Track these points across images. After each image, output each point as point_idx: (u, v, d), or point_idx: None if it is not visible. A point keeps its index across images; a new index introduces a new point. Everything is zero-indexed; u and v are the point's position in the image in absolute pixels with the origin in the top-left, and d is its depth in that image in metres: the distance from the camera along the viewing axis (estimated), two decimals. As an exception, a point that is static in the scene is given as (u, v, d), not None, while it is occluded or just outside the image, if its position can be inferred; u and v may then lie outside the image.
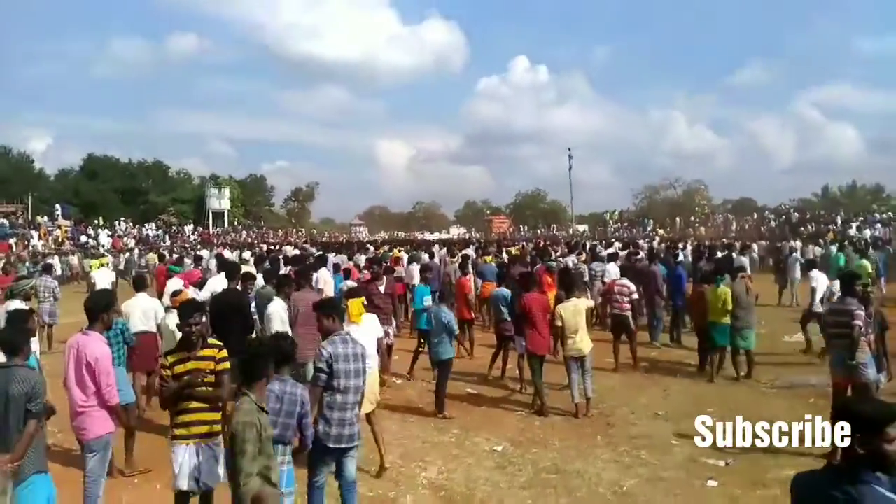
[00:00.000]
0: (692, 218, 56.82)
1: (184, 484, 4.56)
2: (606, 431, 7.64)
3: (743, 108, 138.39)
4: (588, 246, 22.37)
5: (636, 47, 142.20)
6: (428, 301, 10.54)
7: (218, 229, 55.72)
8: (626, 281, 10.96)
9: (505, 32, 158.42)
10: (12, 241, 33.14)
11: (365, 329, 6.21)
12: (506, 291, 9.77)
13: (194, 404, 4.64)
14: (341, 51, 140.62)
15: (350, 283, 11.55)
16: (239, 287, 8.45)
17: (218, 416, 4.76)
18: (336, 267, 13.70)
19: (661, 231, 50.12)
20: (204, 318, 5.43)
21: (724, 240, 30.14)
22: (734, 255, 15.89)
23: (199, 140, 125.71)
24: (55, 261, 25.21)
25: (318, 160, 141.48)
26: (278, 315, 7.19)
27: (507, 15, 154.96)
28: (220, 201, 59.50)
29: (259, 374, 3.85)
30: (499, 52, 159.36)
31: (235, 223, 60.11)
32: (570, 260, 14.95)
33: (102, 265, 18.30)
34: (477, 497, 5.88)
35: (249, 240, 48.94)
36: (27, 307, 7.37)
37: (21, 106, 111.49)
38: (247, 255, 22.27)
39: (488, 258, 17.34)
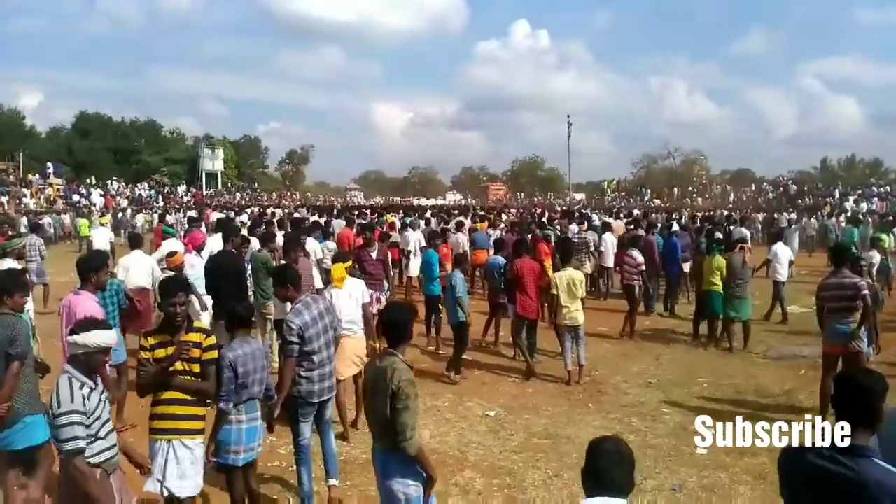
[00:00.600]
0: (690, 188, 56.82)
1: (149, 485, 4.02)
2: (598, 399, 7.71)
3: (743, 77, 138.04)
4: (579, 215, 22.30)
5: (637, 14, 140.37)
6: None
7: (211, 190, 55.41)
8: (634, 252, 10.96)
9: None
10: (4, 199, 32.95)
11: (347, 292, 6.35)
12: (500, 260, 9.75)
13: (176, 395, 4.08)
14: (338, 11, 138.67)
15: (331, 245, 11.52)
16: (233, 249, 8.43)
17: (203, 410, 4.21)
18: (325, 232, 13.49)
19: (657, 201, 50.15)
20: (189, 297, 4.88)
21: (725, 210, 30.10)
22: (732, 227, 15.87)
23: (192, 99, 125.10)
24: (46, 220, 25.06)
25: (314, 122, 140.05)
26: None
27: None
28: (213, 162, 59.00)
29: (406, 335, 3.72)
30: (499, 15, 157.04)
31: (229, 185, 59.77)
32: (572, 229, 14.89)
33: (102, 224, 18.17)
34: (469, 460, 5.95)
35: (243, 202, 48.67)
36: (20, 266, 7.36)
37: (11, 61, 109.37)
38: (244, 217, 22.17)
39: (480, 225, 17.32)
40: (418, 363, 8.98)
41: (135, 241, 8.82)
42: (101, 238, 15.61)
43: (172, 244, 9.86)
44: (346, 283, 6.44)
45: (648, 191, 56.65)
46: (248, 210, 30.77)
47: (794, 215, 24.98)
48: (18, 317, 4.46)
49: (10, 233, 13.98)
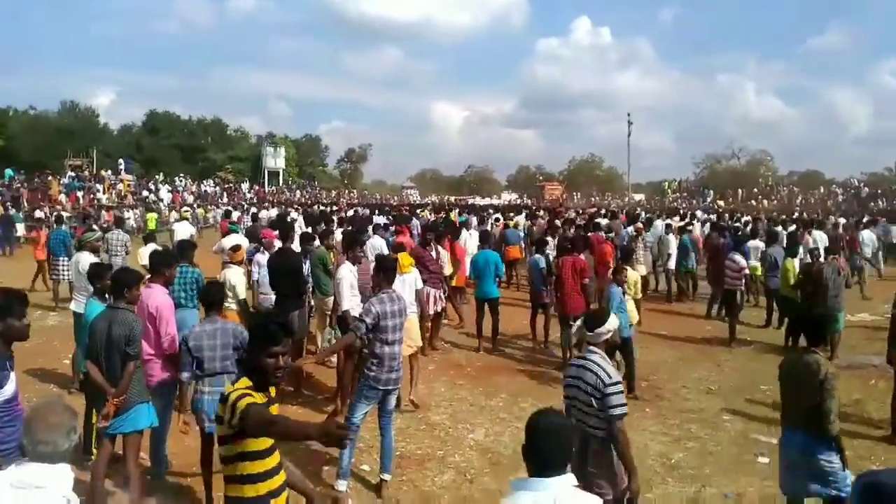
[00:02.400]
0: (755, 189, 54.92)
1: None
2: (656, 403, 7.58)
3: (815, 75, 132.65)
4: (644, 216, 21.88)
5: (704, 12, 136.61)
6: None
7: (273, 188, 56.79)
8: (736, 256, 10.52)
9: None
10: (80, 193, 34.56)
11: (409, 279, 7.38)
12: (541, 259, 9.76)
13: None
14: (400, 11, 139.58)
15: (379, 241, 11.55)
16: (294, 247, 8.67)
17: None
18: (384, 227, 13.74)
19: (721, 202, 48.69)
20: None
21: (794, 213, 28.95)
22: (804, 231, 15.20)
23: (257, 98, 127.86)
24: (128, 214, 26.09)
25: (372, 121, 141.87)
26: (347, 280, 7.29)
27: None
28: (275, 160, 60.45)
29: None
30: (560, 12, 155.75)
31: (290, 182, 61.12)
32: (628, 230, 14.67)
33: (184, 218, 19.04)
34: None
35: (303, 199, 49.70)
36: (97, 259, 7.72)
37: (87, 62, 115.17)
38: (294, 214, 22.72)
39: (511, 223, 17.92)
40: (469, 366, 9.04)
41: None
42: (184, 231, 16.29)
43: (236, 238, 10.15)
44: (410, 269, 7.38)
45: (711, 192, 55.05)
46: (297, 208, 31.39)
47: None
48: (135, 315, 4.75)
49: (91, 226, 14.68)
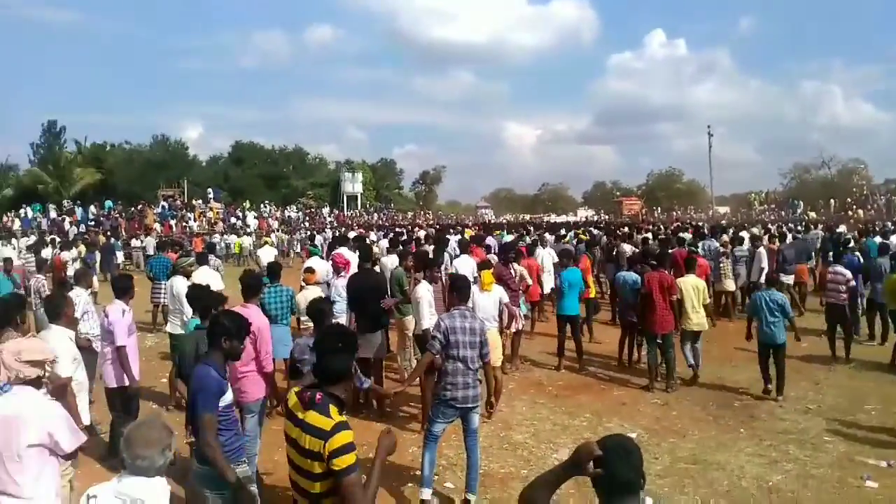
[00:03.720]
0: (848, 200, 51.88)
1: None
2: (750, 424, 7.24)
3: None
4: (732, 230, 21.06)
5: (784, 18, 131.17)
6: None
7: (351, 211, 58.15)
8: (840, 268, 10.09)
9: (639, 6, 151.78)
10: (172, 221, 36.51)
11: (492, 296, 7.62)
12: (633, 276, 9.49)
13: None
14: (469, 34, 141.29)
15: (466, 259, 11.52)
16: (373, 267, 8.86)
17: None
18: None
19: (812, 214, 46.30)
20: None
21: (890, 223, 27.17)
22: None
23: (334, 126, 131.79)
24: (217, 240, 27.37)
25: (445, 143, 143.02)
26: (426, 299, 7.41)
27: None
28: (353, 185, 61.91)
29: None
30: (632, 26, 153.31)
31: (367, 206, 62.43)
32: (708, 243, 14.14)
33: (268, 244, 19.86)
34: (610, 482, 5.78)
35: (380, 222, 50.64)
36: (189, 283, 8.11)
37: (177, 98, 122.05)
38: (373, 237, 23.18)
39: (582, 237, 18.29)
40: (550, 384, 8.92)
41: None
42: (268, 255, 17.08)
43: (314, 262, 10.47)
44: (493, 287, 7.67)
45: (801, 203, 52.40)
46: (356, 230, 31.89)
47: None
48: None
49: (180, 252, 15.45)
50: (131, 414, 5.91)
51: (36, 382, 3.36)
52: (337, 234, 23.18)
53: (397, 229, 27.20)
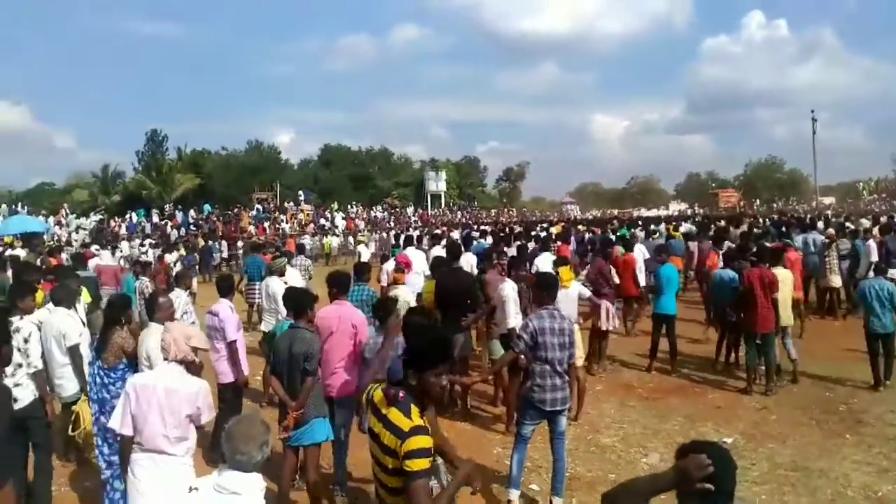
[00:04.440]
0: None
1: None
2: (857, 430, 6.79)
3: None
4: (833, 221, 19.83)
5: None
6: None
7: (435, 210, 58.73)
8: None
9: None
10: (266, 224, 38.09)
11: (570, 293, 7.46)
12: (730, 273, 9.03)
13: None
14: (554, 24, 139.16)
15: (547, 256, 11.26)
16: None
17: None
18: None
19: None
20: None
21: None
22: None
23: (419, 125, 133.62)
24: (307, 241, 28.37)
25: (530, 138, 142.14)
26: (511, 298, 7.42)
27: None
28: (436, 184, 62.50)
29: None
30: (729, 9, 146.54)
31: (451, 204, 62.88)
32: (812, 237, 13.34)
33: (361, 242, 20.57)
34: (704, 488, 5.56)
35: (463, 220, 50.88)
36: (284, 283, 8.44)
37: (269, 105, 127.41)
38: (455, 234, 23.37)
39: (677, 234, 17.61)
40: (640, 386, 8.67)
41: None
42: (366, 253, 17.74)
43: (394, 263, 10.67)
44: (571, 283, 7.52)
45: (915, 191, 48.68)
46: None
47: None
48: (314, 334, 5.18)
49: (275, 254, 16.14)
50: (237, 410, 6.21)
51: (192, 366, 4.02)
52: (419, 233, 23.58)
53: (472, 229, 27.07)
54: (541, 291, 5.46)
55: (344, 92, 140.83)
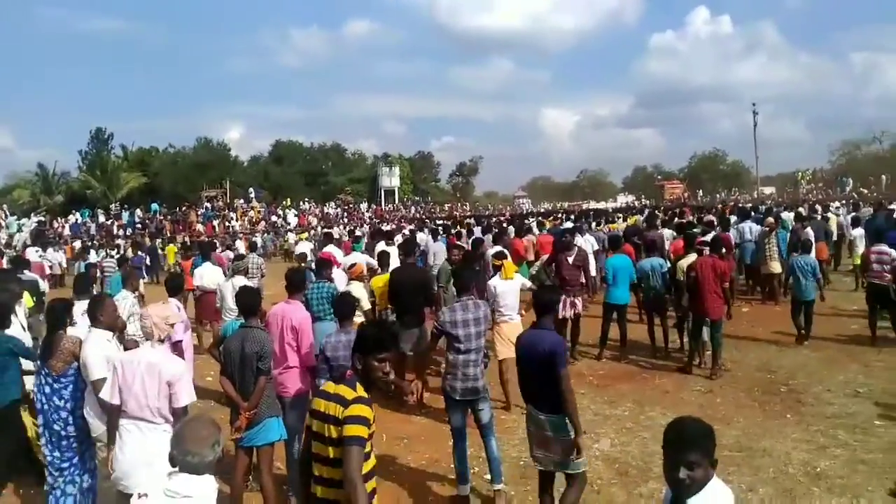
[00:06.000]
0: (901, 174, 49.98)
1: None
2: (797, 409, 7.08)
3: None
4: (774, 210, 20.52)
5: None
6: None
7: (389, 206, 58.51)
8: (884, 247, 9.67)
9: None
10: (215, 222, 37.31)
11: (510, 284, 7.53)
12: (658, 261, 9.52)
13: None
14: (507, 20, 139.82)
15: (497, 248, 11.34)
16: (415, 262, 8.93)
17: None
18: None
19: (863, 191, 44.74)
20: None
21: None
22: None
23: (372, 121, 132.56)
24: (259, 239, 27.93)
25: (483, 134, 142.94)
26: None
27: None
28: (390, 179, 62.27)
29: None
30: (675, 5, 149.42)
31: (405, 199, 62.72)
32: (748, 225, 13.81)
33: (302, 238, 20.34)
34: (654, 471, 5.70)
35: (418, 215, 50.83)
36: (251, 283, 8.38)
37: (220, 99, 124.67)
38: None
39: (613, 226, 18.85)
40: (590, 374, 8.85)
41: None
42: (304, 249, 17.55)
43: (355, 256, 10.61)
44: (514, 276, 7.61)
45: (850, 180, 50.67)
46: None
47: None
48: (266, 333, 5.12)
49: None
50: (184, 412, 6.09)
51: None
52: (374, 228, 23.45)
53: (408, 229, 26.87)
54: (456, 282, 5.81)
55: (296, 87, 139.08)
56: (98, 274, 13.23)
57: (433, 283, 8.42)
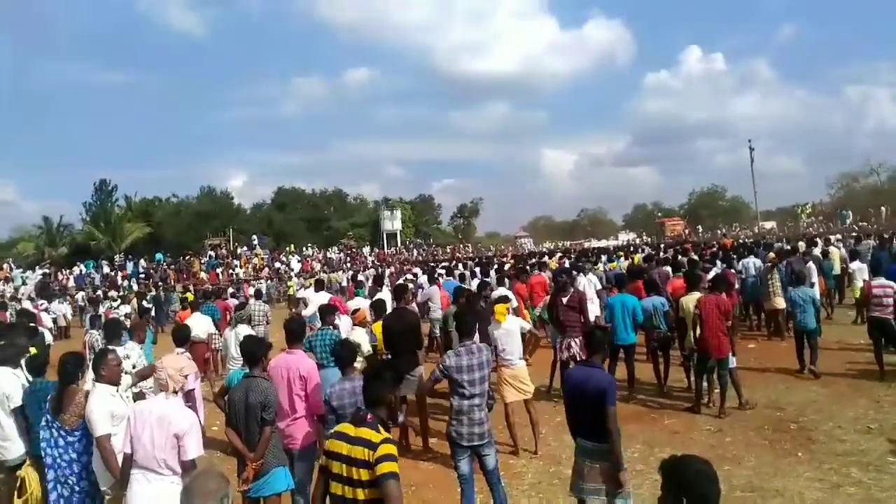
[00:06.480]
0: (901, 206, 50.11)
1: None
2: (808, 447, 7.00)
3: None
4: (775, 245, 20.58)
5: (825, 22, 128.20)
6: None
7: (391, 249, 58.71)
8: (884, 280, 9.65)
9: (674, 24, 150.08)
10: (219, 270, 37.45)
11: (506, 328, 7.31)
12: (660, 300, 9.53)
13: None
14: (503, 65, 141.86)
15: (503, 291, 11.37)
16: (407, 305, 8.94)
17: None
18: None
19: (863, 223, 44.84)
20: None
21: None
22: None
23: (374, 165, 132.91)
24: (263, 285, 27.95)
25: (483, 175, 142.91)
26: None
27: (676, 5, 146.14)
28: (392, 223, 62.55)
29: None
30: (667, 44, 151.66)
31: (407, 242, 62.96)
32: (751, 261, 13.84)
33: (306, 286, 20.43)
34: (665, 514, 5.64)
35: (420, 258, 50.96)
36: (254, 332, 8.41)
37: (222, 148, 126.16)
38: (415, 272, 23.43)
39: (613, 265, 18.65)
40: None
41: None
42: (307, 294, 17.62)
43: (358, 301, 10.62)
44: (507, 319, 7.38)
45: (850, 213, 50.82)
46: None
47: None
48: (270, 383, 5.12)
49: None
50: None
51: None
52: (378, 272, 23.50)
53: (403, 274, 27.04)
54: (458, 329, 5.75)
55: (297, 134, 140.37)
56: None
57: (420, 327, 8.38)
